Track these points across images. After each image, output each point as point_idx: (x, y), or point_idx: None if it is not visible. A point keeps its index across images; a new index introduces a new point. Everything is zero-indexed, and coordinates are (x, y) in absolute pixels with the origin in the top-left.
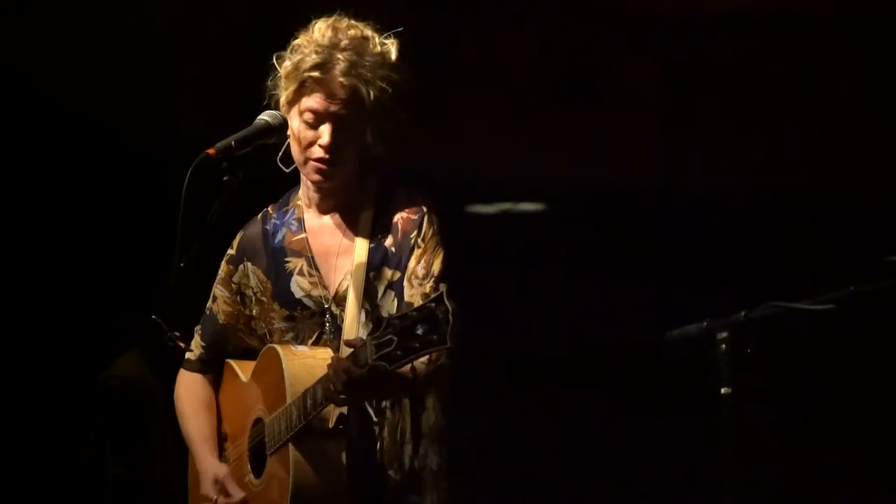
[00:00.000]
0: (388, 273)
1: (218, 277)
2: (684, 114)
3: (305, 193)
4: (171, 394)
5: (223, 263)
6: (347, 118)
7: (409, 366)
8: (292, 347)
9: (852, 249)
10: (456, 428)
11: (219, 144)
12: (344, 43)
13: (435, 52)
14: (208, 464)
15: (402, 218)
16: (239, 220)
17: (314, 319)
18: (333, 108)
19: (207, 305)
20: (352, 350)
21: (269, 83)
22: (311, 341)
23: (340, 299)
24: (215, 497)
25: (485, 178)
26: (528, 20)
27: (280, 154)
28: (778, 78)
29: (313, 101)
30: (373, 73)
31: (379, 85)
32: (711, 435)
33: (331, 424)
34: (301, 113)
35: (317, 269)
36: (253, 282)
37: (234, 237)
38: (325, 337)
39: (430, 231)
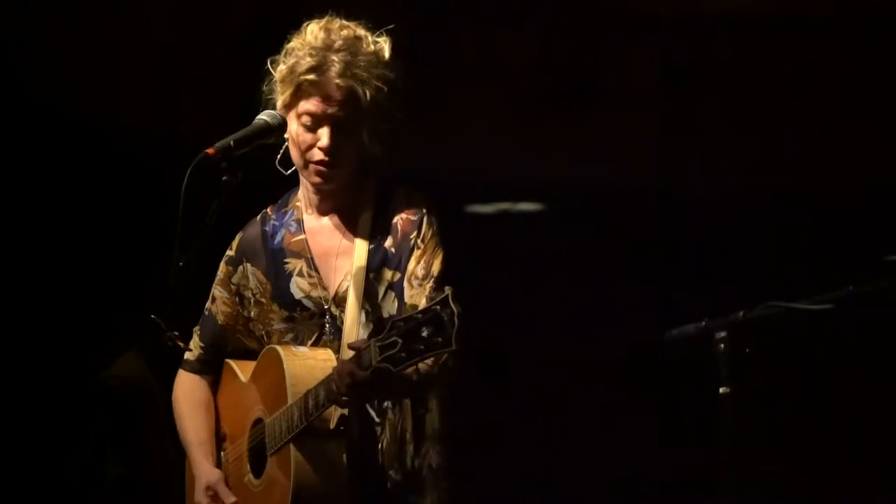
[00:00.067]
0: (387, 274)
1: (217, 278)
2: (684, 114)
3: (304, 195)
4: (170, 394)
5: (222, 264)
6: (345, 119)
7: (413, 367)
8: (293, 348)
9: (852, 249)
10: (455, 428)
11: (218, 144)
12: (338, 44)
13: (435, 51)
14: (202, 470)
15: (401, 219)
16: (238, 220)
17: (314, 320)
18: (331, 110)
19: (206, 306)
20: (355, 352)
21: (264, 87)
22: (310, 342)
23: (340, 300)
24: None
25: (484, 178)
26: (528, 20)
27: (279, 157)
28: (778, 78)
29: (310, 104)
30: (368, 72)
31: (375, 84)
32: (710, 434)
33: (332, 425)
34: (299, 116)
35: (316, 270)
36: (252, 283)
37: (234, 237)
38: (324, 338)
39: (430, 232)
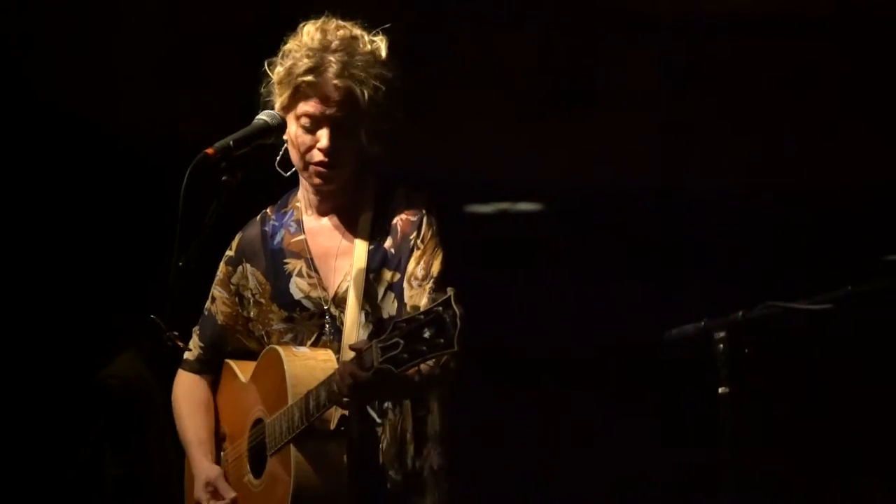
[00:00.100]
0: (387, 275)
1: (216, 278)
2: (684, 114)
3: (304, 195)
4: (169, 393)
5: (222, 265)
6: (344, 120)
7: (415, 369)
8: (293, 349)
9: (852, 249)
10: (455, 428)
11: (217, 144)
12: (334, 44)
13: (434, 51)
14: (202, 467)
15: (401, 220)
16: (238, 220)
17: (313, 321)
18: (329, 111)
19: (206, 306)
20: (357, 353)
21: (262, 90)
22: (309, 342)
23: (339, 301)
24: (206, 500)
25: (484, 178)
26: (528, 20)
27: (278, 159)
28: (778, 78)
29: (309, 105)
30: (365, 72)
31: (372, 84)
32: (709, 434)
33: (332, 426)
34: (297, 118)
35: (316, 270)
36: (252, 283)
37: (233, 237)
38: (323, 338)
39: (430, 232)
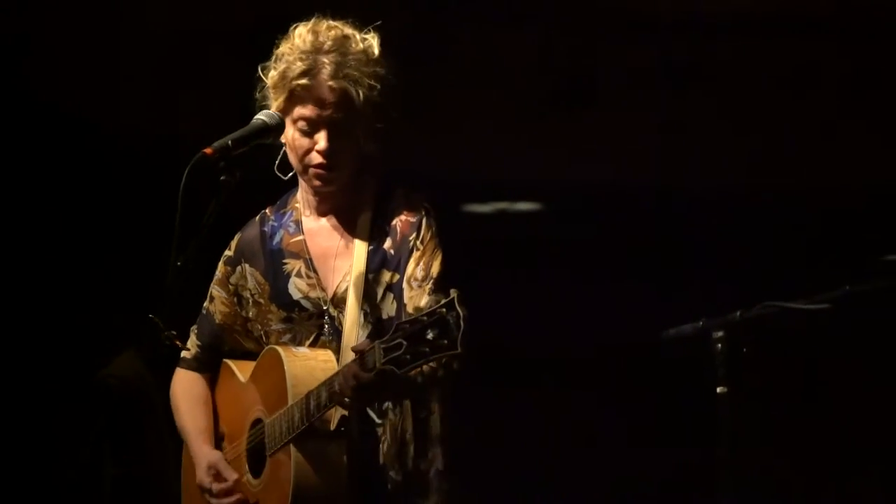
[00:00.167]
0: (386, 275)
1: (215, 278)
2: (684, 114)
3: (303, 196)
4: (168, 392)
5: (220, 264)
6: (341, 121)
7: (417, 370)
8: (293, 349)
9: (852, 249)
10: (456, 428)
11: (216, 144)
12: (327, 45)
13: (434, 51)
14: (202, 453)
15: (400, 220)
16: (236, 220)
17: (312, 321)
18: (326, 113)
19: (204, 305)
20: (359, 354)
21: (257, 94)
22: (308, 343)
23: (339, 301)
24: (209, 483)
25: (483, 178)
26: (528, 20)
27: (277, 163)
28: (778, 78)
29: (305, 109)
30: (359, 71)
31: (367, 83)
32: (708, 434)
33: (332, 426)
34: (294, 122)
35: (315, 270)
36: (251, 283)
37: (232, 237)
38: (323, 339)
39: (429, 233)
